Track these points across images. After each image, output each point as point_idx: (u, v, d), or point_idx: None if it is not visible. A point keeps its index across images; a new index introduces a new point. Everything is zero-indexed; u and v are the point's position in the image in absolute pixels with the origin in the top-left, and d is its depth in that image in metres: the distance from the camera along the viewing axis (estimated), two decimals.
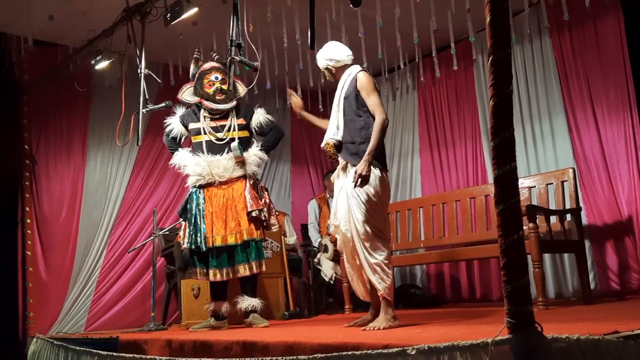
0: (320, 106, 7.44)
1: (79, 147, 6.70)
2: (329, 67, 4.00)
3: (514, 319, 2.06)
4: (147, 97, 5.05)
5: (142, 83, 5.01)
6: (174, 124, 5.08)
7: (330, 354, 2.57)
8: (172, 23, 4.98)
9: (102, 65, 5.79)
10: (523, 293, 2.08)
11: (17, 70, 6.42)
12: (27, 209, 6.32)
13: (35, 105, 6.48)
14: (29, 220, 6.30)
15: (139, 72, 5.05)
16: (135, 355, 3.89)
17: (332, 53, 3.98)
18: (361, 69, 3.93)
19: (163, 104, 5.08)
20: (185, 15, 4.90)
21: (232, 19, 4.08)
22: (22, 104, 6.45)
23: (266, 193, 5.05)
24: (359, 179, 3.58)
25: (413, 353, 2.26)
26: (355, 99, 3.82)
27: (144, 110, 4.95)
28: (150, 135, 6.82)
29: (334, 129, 3.86)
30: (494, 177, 2.16)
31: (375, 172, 3.68)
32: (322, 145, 3.97)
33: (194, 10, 4.92)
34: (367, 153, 3.63)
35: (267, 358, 2.88)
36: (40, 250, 6.31)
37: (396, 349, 2.34)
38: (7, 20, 5.84)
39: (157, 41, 5.72)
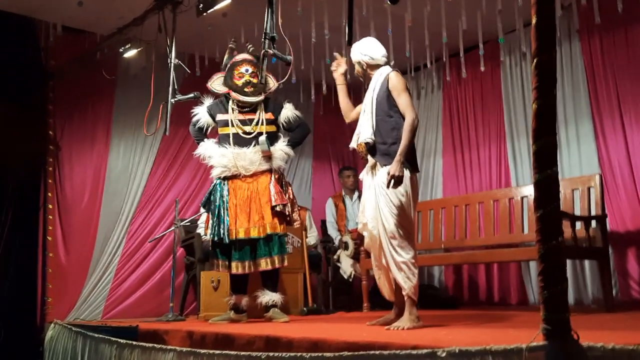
0: None
1: (103, 135, 6.73)
2: (362, 62, 3.97)
3: (550, 326, 2.03)
4: (176, 87, 5.05)
5: (172, 73, 5.00)
6: (201, 114, 5.03)
7: (357, 353, 2.55)
8: (205, 14, 4.95)
9: (131, 53, 5.80)
10: (560, 300, 2.04)
11: (44, 56, 6.46)
12: (50, 194, 6.36)
13: (61, 91, 6.51)
14: (50, 206, 6.34)
15: (168, 62, 5.04)
16: (155, 345, 3.89)
17: (369, 49, 3.96)
18: (393, 69, 3.91)
19: (192, 95, 5.06)
20: (218, 6, 4.87)
21: (267, 11, 4.06)
22: (48, 89, 6.48)
23: (290, 188, 5.02)
24: (392, 180, 3.56)
25: (444, 355, 2.24)
26: (386, 100, 3.80)
27: (172, 100, 4.95)
28: (174, 125, 6.69)
29: (368, 129, 3.84)
30: (534, 181, 2.13)
31: (405, 173, 3.66)
32: (353, 145, 3.96)
33: (228, 1, 4.88)
34: (398, 154, 3.62)
35: (291, 354, 2.86)
36: (61, 236, 6.36)
37: (426, 351, 2.31)
38: (36, 6, 5.86)
39: (185, 32, 5.71)
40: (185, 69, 5.21)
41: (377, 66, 3.96)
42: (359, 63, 3.99)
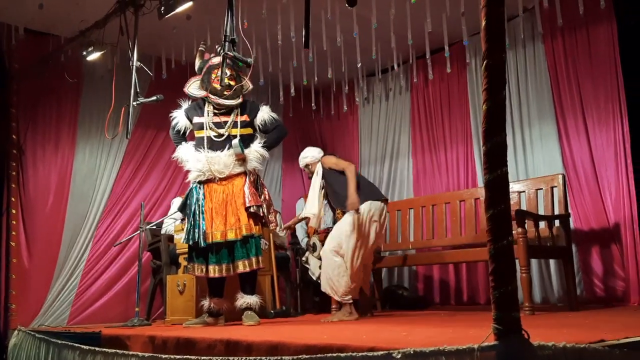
0: (313, 104, 7.43)
1: (68, 138, 6.63)
2: (308, 163, 5.30)
3: (501, 325, 2.04)
4: (138, 90, 5.01)
5: (134, 76, 4.96)
6: (179, 118, 5.00)
7: (314, 355, 2.54)
8: (166, 16, 4.93)
9: (94, 56, 5.74)
10: (511, 299, 2.06)
11: (7, 59, 6.31)
12: (13, 199, 6.23)
13: (24, 94, 6.39)
14: (14, 211, 6.20)
15: (130, 64, 5.00)
16: (118, 351, 3.84)
17: (310, 153, 5.31)
18: (323, 154, 5.30)
19: (154, 98, 5.04)
20: (179, 9, 4.85)
21: (227, 14, 4.04)
22: (11, 92, 6.32)
23: (266, 190, 5.01)
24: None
25: (399, 357, 2.24)
26: (331, 174, 5.08)
27: (134, 103, 4.90)
28: (140, 128, 6.77)
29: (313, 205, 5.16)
30: (485, 182, 2.13)
31: (363, 207, 4.80)
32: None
33: (189, 4, 4.87)
34: (348, 197, 4.83)
35: (250, 357, 2.85)
36: (25, 241, 6.24)
37: (382, 352, 2.31)
38: None
39: (150, 34, 5.67)
40: (148, 72, 5.16)
41: (317, 161, 5.24)
42: (307, 166, 5.32)
